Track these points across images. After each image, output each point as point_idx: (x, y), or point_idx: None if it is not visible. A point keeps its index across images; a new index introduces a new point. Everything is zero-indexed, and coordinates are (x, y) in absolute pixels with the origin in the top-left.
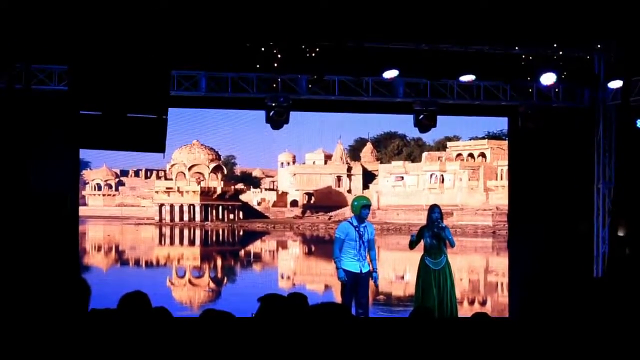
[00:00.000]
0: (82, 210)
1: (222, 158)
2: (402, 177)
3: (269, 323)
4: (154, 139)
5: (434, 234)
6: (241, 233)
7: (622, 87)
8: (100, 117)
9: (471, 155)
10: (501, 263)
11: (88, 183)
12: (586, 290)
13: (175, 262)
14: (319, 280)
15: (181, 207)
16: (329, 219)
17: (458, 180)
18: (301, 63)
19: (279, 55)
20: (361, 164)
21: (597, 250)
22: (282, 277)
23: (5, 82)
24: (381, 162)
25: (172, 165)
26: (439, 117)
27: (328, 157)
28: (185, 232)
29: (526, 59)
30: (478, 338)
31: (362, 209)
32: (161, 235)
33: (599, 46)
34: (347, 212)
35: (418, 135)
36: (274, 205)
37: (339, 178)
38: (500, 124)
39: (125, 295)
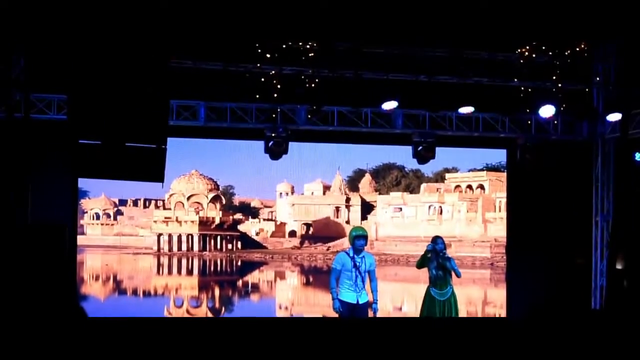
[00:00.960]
0: (80, 240)
1: (220, 188)
2: (401, 209)
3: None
4: (153, 169)
5: (439, 265)
6: (239, 263)
7: (621, 120)
8: (100, 147)
9: (470, 186)
10: (499, 295)
11: (86, 212)
12: (585, 322)
13: (173, 292)
14: (316, 310)
15: (179, 236)
16: (327, 249)
17: (456, 212)
18: (300, 93)
19: (279, 86)
20: (360, 195)
21: (595, 283)
22: (280, 308)
23: (5, 111)
24: (380, 193)
25: (171, 195)
26: (437, 149)
27: (327, 188)
28: (184, 261)
29: (525, 91)
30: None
31: (356, 239)
32: (159, 264)
33: (597, 79)
34: (345, 242)
35: (417, 167)
36: (272, 235)
37: (337, 209)
38: (499, 156)
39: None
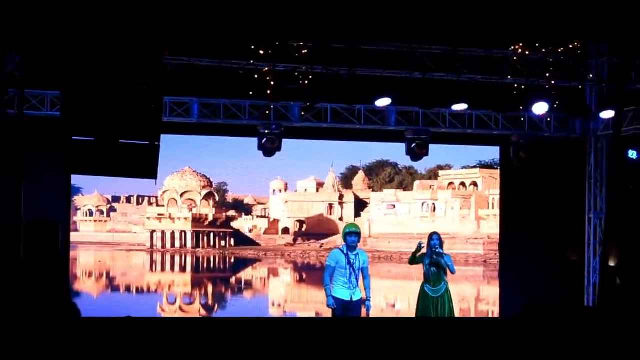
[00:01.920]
0: (74, 236)
1: (214, 185)
2: (394, 206)
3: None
4: (146, 165)
5: (433, 261)
6: (232, 260)
7: (614, 118)
8: (93, 143)
9: (463, 184)
10: (492, 292)
11: (80, 209)
12: (578, 320)
13: (166, 289)
14: (310, 307)
15: (173, 233)
16: (321, 246)
17: (450, 209)
18: (294, 90)
19: (272, 83)
20: (353, 192)
21: (588, 280)
22: (273, 305)
23: None
24: (373, 190)
25: (164, 192)
26: (431, 146)
27: (320, 185)
28: (177, 258)
29: (518, 88)
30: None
31: (347, 236)
32: (152, 261)
33: (590, 77)
34: (338, 239)
35: (410, 164)
36: (266, 232)
37: (330, 206)
38: (492, 153)
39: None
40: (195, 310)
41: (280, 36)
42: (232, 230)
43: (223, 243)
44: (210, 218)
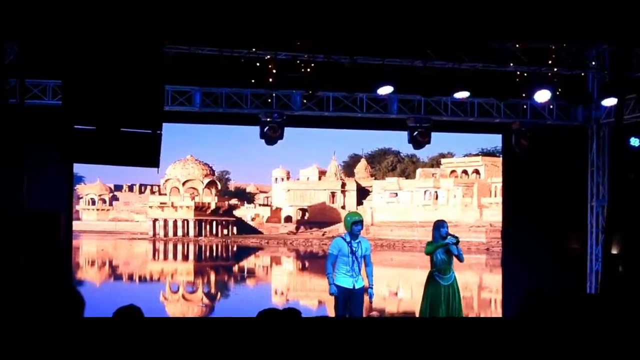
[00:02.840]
0: (76, 225)
1: (216, 173)
2: (396, 194)
3: (265, 335)
4: (148, 154)
5: (445, 249)
6: (235, 248)
7: (616, 105)
8: (94, 132)
9: (465, 172)
10: (495, 280)
11: (82, 197)
12: (581, 306)
13: (168, 277)
14: (312, 295)
15: (175, 222)
16: (323, 234)
17: (452, 197)
18: (295, 78)
19: (274, 71)
20: (355, 180)
21: (590, 268)
22: (276, 293)
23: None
24: (375, 178)
25: (166, 181)
26: (433, 134)
27: (322, 173)
28: (179, 247)
29: (520, 76)
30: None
31: (354, 225)
32: (155, 250)
33: (593, 63)
34: (340, 228)
35: (412, 152)
36: (268, 220)
37: (333, 194)
38: (495, 140)
39: (118, 309)
40: (198, 298)
41: (281, 25)
42: (234, 219)
43: (225, 231)
44: (213, 206)
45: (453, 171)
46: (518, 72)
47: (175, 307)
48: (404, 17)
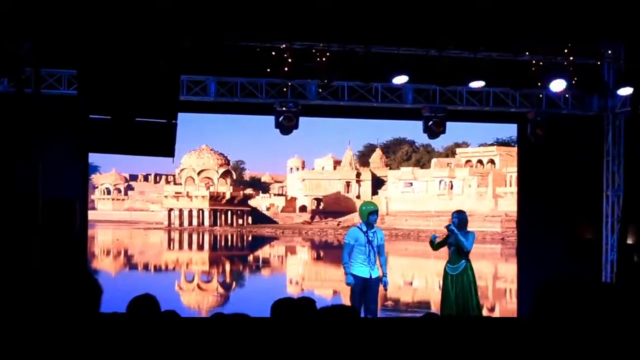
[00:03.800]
0: (91, 215)
1: (231, 163)
2: (411, 184)
3: (280, 325)
4: (163, 144)
5: (450, 240)
6: (250, 238)
7: (632, 95)
8: (110, 122)
9: (480, 161)
10: (510, 269)
11: (97, 187)
12: (597, 296)
13: (184, 267)
14: (327, 285)
15: (190, 211)
16: (338, 224)
17: (467, 187)
18: (311, 68)
19: (289, 60)
20: (370, 170)
21: (605, 258)
22: (291, 283)
23: (15, 87)
24: (390, 168)
25: (182, 170)
26: (448, 124)
27: (337, 163)
28: (194, 236)
29: (536, 65)
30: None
31: (370, 215)
32: (170, 239)
33: (609, 52)
34: (355, 217)
35: (427, 142)
36: (283, 210)
37: (348, 184)
38: (510, 130)
39: (134, 298)
40: (213, 288)
41: (296, 15)
42: (249, 209)
43: (240, 221)
44: (228, 196)
45: (468, 161)
46: (533, 62)
47: (190, 297)
48: (420, 6)
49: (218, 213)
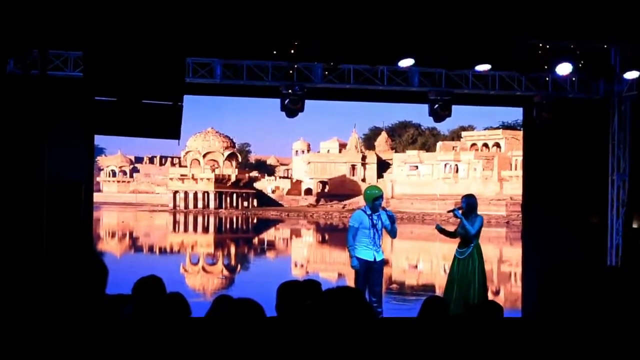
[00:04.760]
0: (97, 197)
1: (236, 146)
2: (417, 167)
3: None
4: (169, 126)
5: (460, 224)
6: (255, 221)
7: (638, 79)
8: (115, 103)
9: (486, 145)
10: (515, 253)
11: (103, 169)
12: (602, 279)
13: (189, 249)
14: (332, 268)
15: (195, 194)
16: (343, 207)
17: (472, 170)
18: (317, 50)
19: (295, 43)
20: (376, 153)
21: (610, 242)
22: (296, 265)
23: (22, 68)
24: (396, 151)
25: (187, 153)
26: (453, 107)
27: (343, 146)
28: (199, 219)
29: (542, 48)
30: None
31: (374, 200)
32: (175, 222)
33: (616, 37)
34: (361, 200)
35: (433, 125)
36: (288, 193)
37: (353, 167)
38: (515, 114)
39: (140, 279)
40: (218, 270)
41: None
42: (254, 191)
43: (246, 204)
44: (233, 179)
45: (473, 144)
46: (540, 45)
47: (195, 279)
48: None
49: (223, 195)
